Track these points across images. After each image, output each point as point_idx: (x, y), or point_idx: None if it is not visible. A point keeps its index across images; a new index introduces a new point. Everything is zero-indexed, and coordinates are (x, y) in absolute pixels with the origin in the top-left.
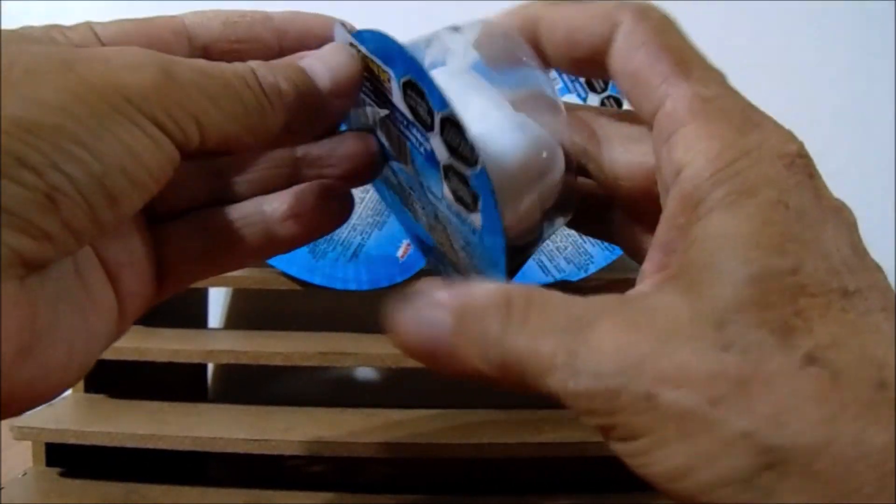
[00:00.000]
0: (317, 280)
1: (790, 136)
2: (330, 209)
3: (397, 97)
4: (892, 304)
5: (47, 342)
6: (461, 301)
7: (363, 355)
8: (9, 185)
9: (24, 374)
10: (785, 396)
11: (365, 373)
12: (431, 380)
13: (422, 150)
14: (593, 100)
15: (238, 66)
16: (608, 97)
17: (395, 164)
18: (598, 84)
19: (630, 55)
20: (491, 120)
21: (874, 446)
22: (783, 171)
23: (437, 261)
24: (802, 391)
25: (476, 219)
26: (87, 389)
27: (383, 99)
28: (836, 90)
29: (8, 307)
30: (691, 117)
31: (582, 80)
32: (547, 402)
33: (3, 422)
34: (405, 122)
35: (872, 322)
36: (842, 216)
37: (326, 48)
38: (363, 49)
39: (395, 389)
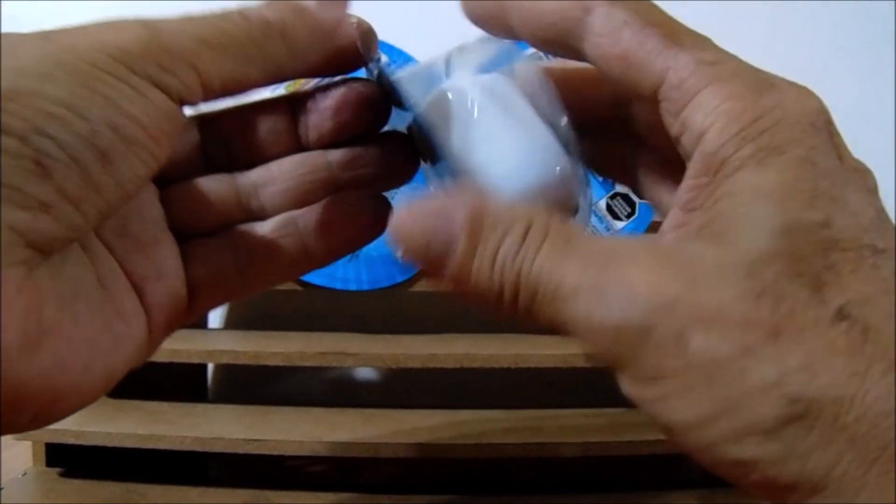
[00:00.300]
0: (317, 280)
1: (808, 94)
2: (367, 216)
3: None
4: None
5: (60, 338)
6: (478, 207)
7: (363, 355)
8: None
9: (35, 366)
10: (815, 349)
11: (365, 373)
12: (431, 380)
13: None
14: None
15: (221, 10)
16: None
17: (424, 166)
18: None
19: (614, 37)
20: (506, 151)
21: None
22: (808, 130)
23: None
24: (833, 345)
25: None
26: None
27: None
28: (836, 90)
29: (10, 293)
30: (702, 83)
31: None
32: (547, 402)
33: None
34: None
35: None
36: (864, 179)
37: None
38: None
39: (395, 389)
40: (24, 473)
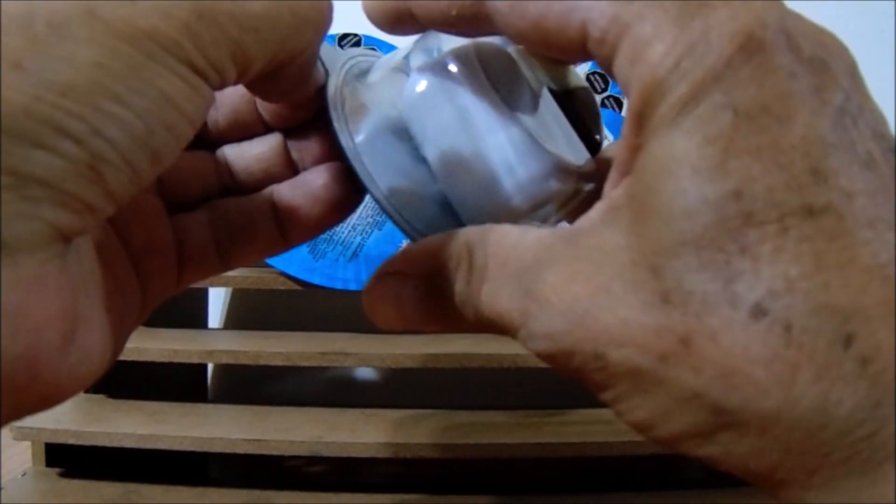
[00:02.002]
0: (317, 280)
1: (745, 4)
2: (330, 199)
3: None
4: (891, 212)
5: (87, 328)
6: (423, 265)
7: (363, 355)
8: (47, 156)
9: (69, 360)
10: (732, 355)
11: (365, 373)
12: (431, 380)
13: None
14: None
15: None
16: (608, 97)
17: None
18: (598, 85)
19: (518, 9)
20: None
21: (840, 414)
22: (735, 59)
23: None
24: (751, 350)
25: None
26: (87, 390)
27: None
28: None
29: (51, 293)
30: (624, 27)
31: None
32: (547, 402)
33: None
34: None
35: (844, 247)
36: (823, 97)
37: None
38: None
39: (395, 389)
40: (24, 473)
